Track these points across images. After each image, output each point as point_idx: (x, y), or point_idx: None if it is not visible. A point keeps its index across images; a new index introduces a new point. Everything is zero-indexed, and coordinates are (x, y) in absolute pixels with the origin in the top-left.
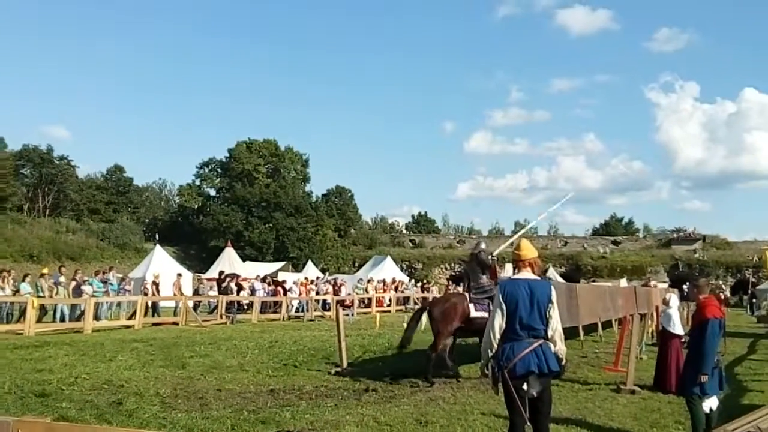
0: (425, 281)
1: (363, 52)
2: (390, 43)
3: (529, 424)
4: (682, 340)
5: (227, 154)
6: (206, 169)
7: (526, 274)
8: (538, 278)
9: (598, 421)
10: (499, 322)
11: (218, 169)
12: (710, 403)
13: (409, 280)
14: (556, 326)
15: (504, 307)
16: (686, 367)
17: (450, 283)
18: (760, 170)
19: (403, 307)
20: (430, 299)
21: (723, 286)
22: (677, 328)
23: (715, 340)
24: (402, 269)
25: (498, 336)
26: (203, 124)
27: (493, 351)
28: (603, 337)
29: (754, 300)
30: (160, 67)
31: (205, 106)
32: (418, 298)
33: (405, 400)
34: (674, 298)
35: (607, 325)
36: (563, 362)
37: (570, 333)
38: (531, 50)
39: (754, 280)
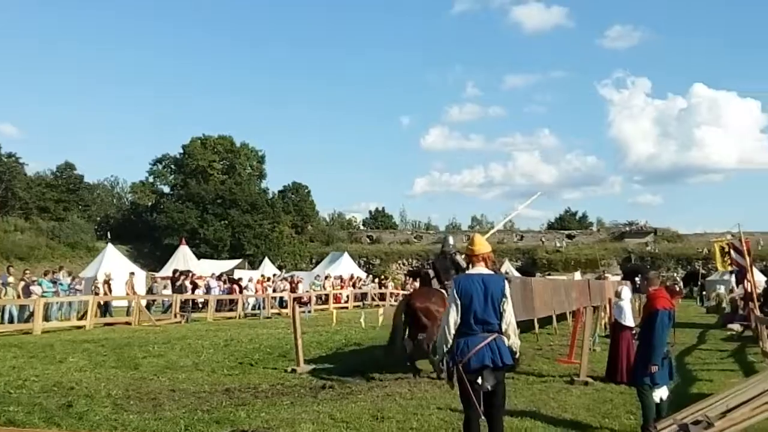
0: (383, 277)
1: (320, 48)
2: (347, 39)
3: (483, 417)
4: (633, 331)
5: (181, 151)
6: (160, 166)
7: (480, 268)
8: (492, 273)
9: (552, 413)
10: (453, 317)
11: (172, 166)
12: (660, 393)
13: (367, 276)
14: (509, 320)
15: (459, 302)
16: (637, 358)
17: (408, 278)
18: (710, 164)
19: (360, 303)
20: (407, 292)
21: (677, 279)
22: (628, 320)
23: (664, 331)
24: (359, 265)
25: (453, 331)
26: (156, 120)
27: (449, 346)
28: (558, 330)
29: (703, 291)
30: (111, 61)
31: (158, 101)
32: (375, 294)
33: (362, 396)
34: (626, 291)
35: (561, 317)
36: (517, 355)
37: (525, 326)
38: (487, 46)
39: (704, 271)
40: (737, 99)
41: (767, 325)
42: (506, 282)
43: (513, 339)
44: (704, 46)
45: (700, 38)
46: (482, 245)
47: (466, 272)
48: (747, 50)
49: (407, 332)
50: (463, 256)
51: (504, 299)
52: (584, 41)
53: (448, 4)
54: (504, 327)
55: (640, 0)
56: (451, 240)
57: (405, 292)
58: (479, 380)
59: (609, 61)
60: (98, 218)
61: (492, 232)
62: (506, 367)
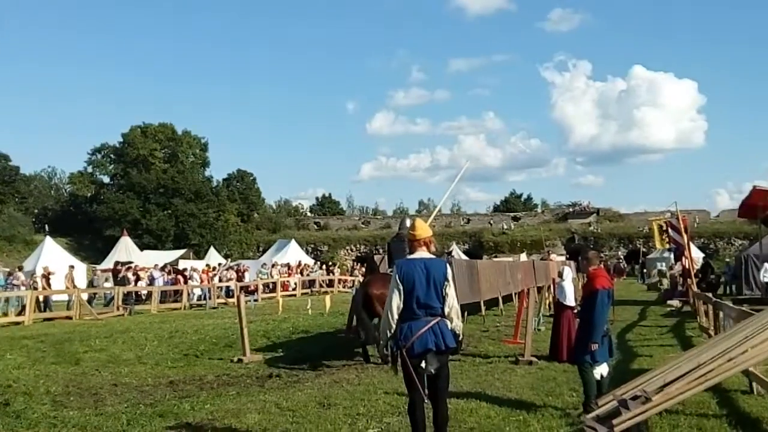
0: (330, 264)
1: (261, 33)
2: (291, 24)
3: (427, 400)
4: (575, 311)
5: (121, 140)
6: (99, 156)
7: (422, 253)
8: (434, 257)
9: (497, 393)
10: (396, 302)
11: (112, 156)
12: (601, 370)
13: (315, 263)
14: (452, 303)
15: (401, 287)
16: (578, 337)
17: (356, 264)
18: (649, 145)
19: (308, 291)
20: (361, 280)
21: (621, 258)
22: (570, 299)
23: (604, 309)
24: (307, 252)
25: (396, 316)
26: (94, 108)
27: (392, 331)
28: (504, 311)
29: (644, 269)
30: (47, 47)
31: (96, 89)
32: (323, 281)
33: (309, 384)
34: (567, 271)
35: (508, 298)
36: (460, 338)
37: (472, 308)
38: (431, 31)
39: (644, 250)
40: (674, 80)
41: (704, 300)
42: (448, 266)
43: (456, 322)
44: (642, 29)
45: (638, 21)
46: (423, 230)
47: (408, 257)
48: (683, 32)
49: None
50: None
51: (446, 283)
52: (526, 24)
53: None
54: (447, 310)
55: None
56: (408, 222)
57: (352, 278)
58: (423, 364)
59: (551, 44)
60: (36, 210)
61: (434, 213)
62: (450, 350)
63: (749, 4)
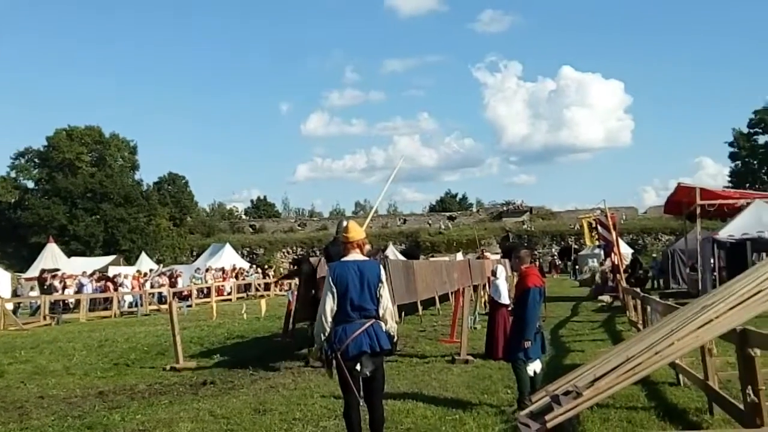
0: (266, 267)
1: (192, 33)
2: (222, 23)
3: (363, 403)
4: (509, 308)
5: (45, 143)
6: (22, 160)
7: (355, 255)
8: (367, 259)
9: (434, 393)
10: (330, 305)
11: (36, 160)
12: (534, 367)
13: (250, 267)
14: (386, 305)
15: (334, 290)
16: (511, 334)
17: (292, 266)
18: (579, 144)
19: (244, 295)
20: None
21: (555, 255)
22: (503, 297)
23: (535, 307)
24: (243, 256)
25: (330, 319)
26: (17, 111)
27: (326, 334)
28: (441, 311)
29: (576, 266)
30: None
31: (18, 91)
32: (259, 284)
33: (244, 390)
34: (501, 269)
35: (444, 298)
36: (395, 339)
37: (409, 309)
38: (364, 31)
39: (576, 246)
40: (602, 80)
41: (633, 295)
42: (381, 267)
43: (390, 323)
44: (570, 30)
45: (566, 22)
46: (356, 232)
47: (342, 259)
48: (609, 33)
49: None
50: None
51: (380, 284)
52: (458, 25)
53: None
54: (381, 312)
55: None
56: (345, 223)
57: (289, 281)
58: (358, 366)
59: (482, 45)
60: None
61: (370, 215)
62: (384, 351)
63: (672, 7)
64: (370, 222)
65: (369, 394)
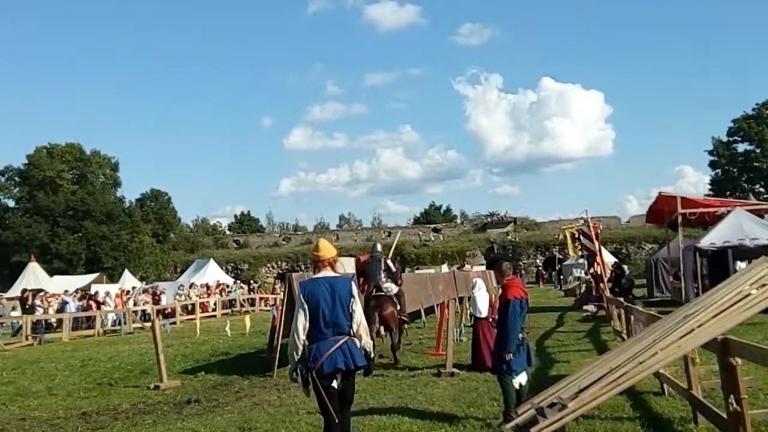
0: (251, 282)
1: (173, 49)
2: (203, 38)
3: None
4: (490, 320)
5: (26, 161)
6: (2, 178)
7: (326, 272)
8: (338, 275)
9: (420, 407)
10: (302, 323)
11: (16, 178)
12: (519, 379)
13: (234, 282)
14: (360, 320)
15: (306, 308)
16: (495, 347)
17: (277, 281)
18: (561, 154)
19: (229, 311)
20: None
21: (540, 266)
22: (482, 310)
23: (516, 319)
24: (227, 271)
25: (303, 337)
26: None
27: (299, 353)
28: (427, 323)
29: (561, 276)
30: None
31: None
32: (244, 300)
33: (229, 408)
34: (480, 282)
35: (430, 310)
36: (371, 355)
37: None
38: (344, 45)
39: (560, 257)
40: (582, 91)
41: (617, 304)
42: (353, 283)
43: (365, 339)
44: (549, 41)
45: (544, 34)
46: (327, 250)
47: (313, 277)
48: (587, 44)
49: None
50: (390, 261)
51: (352, 299)
52: (438, 39)
53: (304, 4)
54: (355, 327)
55: None
56: (378, 246)
57: (274, 296)
58: (334, 384)
59: (463, 58)
60: None
61: (396, 243)
62: (359, 369)
63: (649, 18)
64: (355, 235)
65: (340, 404)
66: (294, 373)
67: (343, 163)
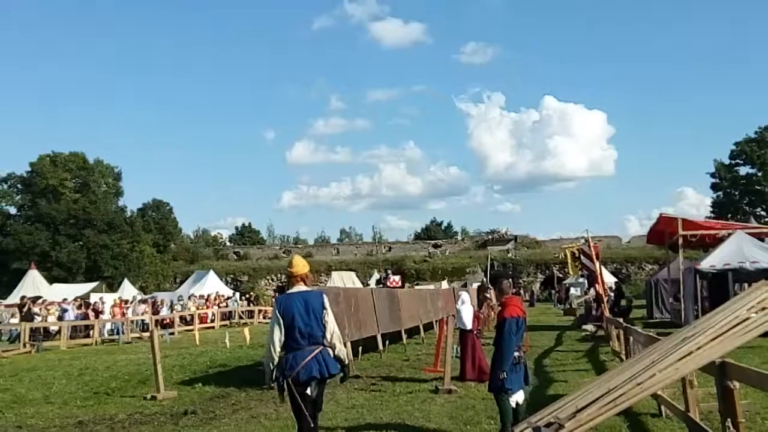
0: (250, 294)
1: (178, 62)
2: (208, 51)
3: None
4: (474, 332)
5: (29, 169)
6: (5, 186)
7: (299, 287)
8: (311, 289)
9: (417, 423)
10: (278, 335)
11: (19, 186)
12: (516, 398)
13: (234, 294)
14: (332, 329)
15: (281, 321)
16: (492, 365)
17: (276, 295)
18: (563, 173)
19: (227, 322)
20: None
21: (537, 287)
22: (466, 323)
23: (512, 338)
24: (227, 283)
25: (278, 348)
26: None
27: (274, 363)
28: (425, 339)
29: (558, 293)
30: None
31: (1, 117)
32: (243, 312)
33: (225, 420)
34: (465, 296)
35: (429, 326)
36: (345, 362)
37: (393, 338)
38: (348, 61)
39: (560, 275)
40: (585, 111)
41: (616, 324)
42: (324, 296)
43: (339, 347)
44: (551, 61)
45: (547, 54)
46: (300, 266)
47: (287, 292)
48: (591, 65)
49: None
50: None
51: (324, 311)
52: (442, 57)
53: (308, 20)
54: (328, 337)
55: (491, 18)
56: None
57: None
58: (309, 391)
59: (466, 76)
60: None
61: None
62: (332, 377)
63: (654, 40)
64: (356, 249)
65: (313, 412)
66: (270, 381)
67: (345, 177)
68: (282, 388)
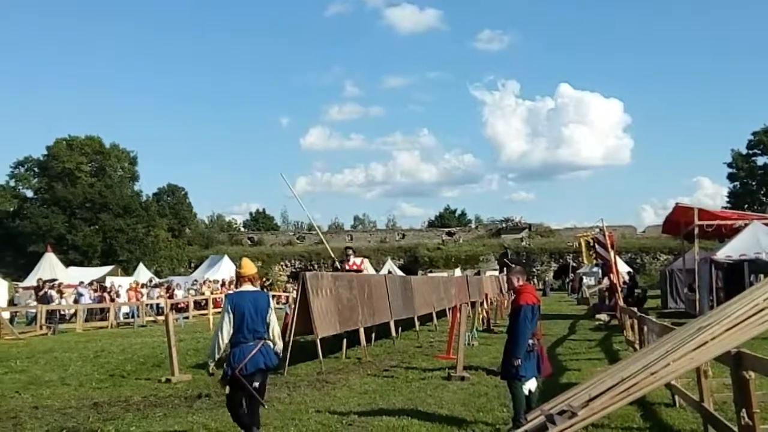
0: (264, 279)
1: (194, 47)
2: (223, 37)
3: (245, 410)
4: None
5: (45, 153)
6: (22, 169)
7: (248, 287)
8: (258, 290)
9: (430, 410)
10: (227, 328)
11: (35, 169)
12: (529, 385)
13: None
14: (274, 327)
15: (232, 316)
16: (505, 353)
17: (290, 280)
18: (578, 161)
19: None
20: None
21: (547, 274)
22: None
23: (527, 325)
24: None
25: (226, 340)
26: (17, 120)
27: (219, 353)
28: (438, 326)
29: (571, 283)
30: None
31: (19, 100)
32: None
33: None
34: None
35: (442, 313)
36: (280, 356)
37: (407, 324)
38: (363, 47)
39: (574, 264)
40: (601, 99)
41: (630, 314)
42: (270, 297)
43: (279, 344)
44: (567, 49)
45: (563, 41)
46: (249, 268)
47: (237, 290)
48: (608, 53)
49: None
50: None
51: (269, 310)
52: (458, 44)
53: (322, 6)
54: (270, 333)
55: (508, 5)
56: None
57: (287, 294)
58: (254, 381)
59: (481, 64)
60: None
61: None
62: (274, 367)
63: (671, 29)
64: (369, 236)
65: (250, 400)
66: (213, 368)
67: (359, 164)
68: (227, 378)
